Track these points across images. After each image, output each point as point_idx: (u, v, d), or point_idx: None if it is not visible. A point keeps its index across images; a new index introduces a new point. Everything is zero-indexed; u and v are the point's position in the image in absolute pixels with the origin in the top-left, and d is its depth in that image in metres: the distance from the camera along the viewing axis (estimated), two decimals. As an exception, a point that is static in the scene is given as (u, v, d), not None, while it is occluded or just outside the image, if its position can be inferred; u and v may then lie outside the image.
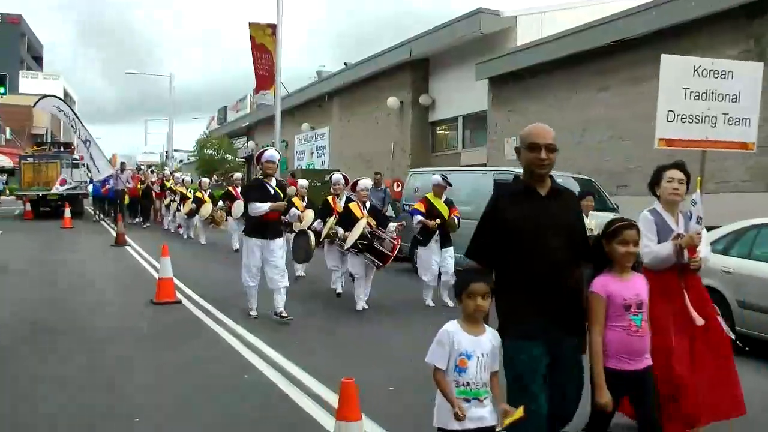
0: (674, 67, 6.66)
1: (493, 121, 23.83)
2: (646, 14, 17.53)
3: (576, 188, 14.20)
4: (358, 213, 11.24)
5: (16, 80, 69.44)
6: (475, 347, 3.79)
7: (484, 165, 22.68)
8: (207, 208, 20.51)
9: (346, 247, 11.00)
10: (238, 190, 18.47)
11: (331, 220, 11.93)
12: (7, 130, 68.05)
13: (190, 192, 22.92)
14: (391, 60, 29.37)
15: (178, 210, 23.66)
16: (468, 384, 3.76)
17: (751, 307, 8.39)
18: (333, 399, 5.96)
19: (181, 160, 71.66)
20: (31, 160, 32.14)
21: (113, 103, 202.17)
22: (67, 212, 26.68)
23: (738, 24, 15.67)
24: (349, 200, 12.07)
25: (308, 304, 11.33)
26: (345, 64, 37.53)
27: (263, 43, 27.83)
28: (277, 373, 7.13)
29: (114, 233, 21.45)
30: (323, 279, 13.17)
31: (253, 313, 10.12)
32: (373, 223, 11.06)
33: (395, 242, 10.91)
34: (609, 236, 4.39)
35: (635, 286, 4.39)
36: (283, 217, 11.19)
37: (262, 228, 9.88)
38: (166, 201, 26.10)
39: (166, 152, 52.78)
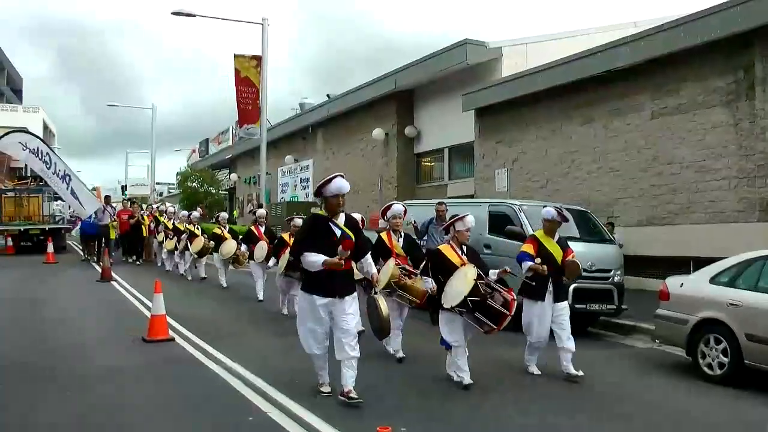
0: None
1: (480, 152, 23.79)
2: (633, 45, 17.61)
3: (571, 220, 14.19)
4: (455, 259, 8.54)
5: (-5, 114, 68.88)
6: None
7: (471, 196, 22.63)
8: (230, 246, 17.93)
9: (451, 305, 8.12)
10: (261, 229, 16.26)
11: (392, 267, 9.46)
12: (-15, 164, 67.45)
13: (197, 228, 20.62)
14: (376, 91, 29.40)
15: (181, 248, 21.26)
16: None
17: (760, 341, 8.29)
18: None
19: (161, 193, 71.30)
20: (12, 193, 31.86)
21: (93, 135, 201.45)
22: (50, 247, 26.26)
23: (727, 54, 15.74)
24: (408, 238, 10.36)
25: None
26: (327, 96, 37.59)
27: (248, 76, 27.88)
28: (282, 415, 6.90)
29: (99, 268, 21.13)
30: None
31: (326, 389, 7.63)
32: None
33: (510, 296, 8.15)
34: None
35: None
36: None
37: (327, 282, 7.34)
38: (160, 238, 23.71)
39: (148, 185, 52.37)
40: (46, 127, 78.80)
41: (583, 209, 15.09)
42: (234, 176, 50.67)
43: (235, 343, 10.63)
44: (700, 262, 11.46)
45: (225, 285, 18.50)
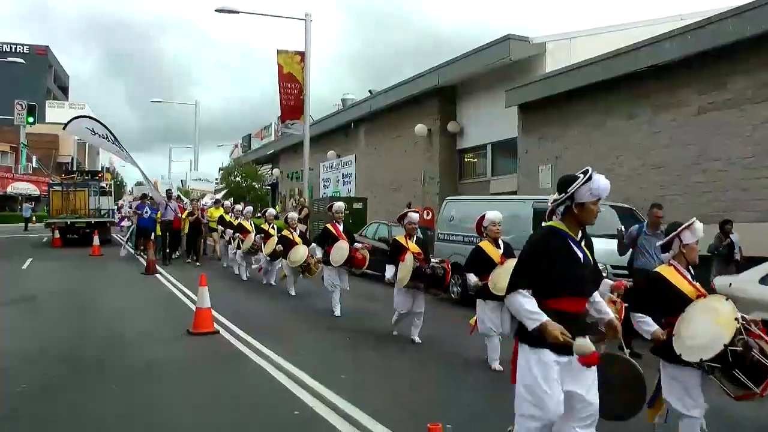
0: None
1: (524, 148, 23.64)
2: (680, 38, 17.30)
3: (615, 218, 14.06)
4: (686, 287, 5.79)
5: (43, 110, 70.26)
6: None
7: (514, 193, 22.49)
8: (301, 253, 15.18)
9: (700, 359, 5.29)
10: (340, 227, 13.67)
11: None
12: (34, 158, 68.77)
13: (272, 228, 18.02)
14: (419, 87, 29.30)
15: (246, 248, 19.13)
16: None
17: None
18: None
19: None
20: (59, 188, 32.32)
21: (137, 130, 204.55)
22: (96, 240, 26.63)
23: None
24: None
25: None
26: (370, 91, 37.59)
27: (290, 72, 28.12)
28: (328, 410, 6.92)
29: (144, 262, 21.40)
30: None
31: None
32: None
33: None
34: None
35: None
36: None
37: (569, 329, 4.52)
38: (227, 236, 21.68)
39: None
40: (91, 123, 79.78)
41: (629, 207, 14.94)
42: (276, 171, 50.95)
43: (282, 339, 10.67)
44: (749, 263, 11.26)
45: (293, 293, 16.32)
